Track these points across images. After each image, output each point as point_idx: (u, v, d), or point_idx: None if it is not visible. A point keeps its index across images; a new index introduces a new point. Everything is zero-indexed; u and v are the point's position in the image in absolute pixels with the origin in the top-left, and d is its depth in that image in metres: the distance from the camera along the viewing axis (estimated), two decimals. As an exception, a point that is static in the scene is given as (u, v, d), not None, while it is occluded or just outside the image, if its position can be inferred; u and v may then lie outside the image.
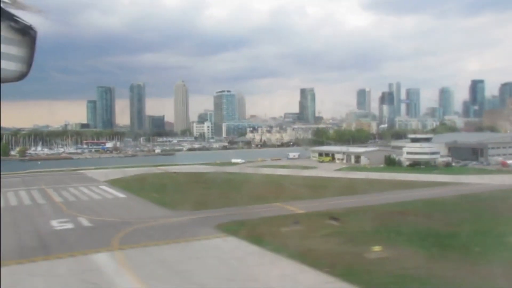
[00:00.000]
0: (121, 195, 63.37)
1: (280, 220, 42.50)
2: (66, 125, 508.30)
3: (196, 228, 40.51)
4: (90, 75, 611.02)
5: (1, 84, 3.44)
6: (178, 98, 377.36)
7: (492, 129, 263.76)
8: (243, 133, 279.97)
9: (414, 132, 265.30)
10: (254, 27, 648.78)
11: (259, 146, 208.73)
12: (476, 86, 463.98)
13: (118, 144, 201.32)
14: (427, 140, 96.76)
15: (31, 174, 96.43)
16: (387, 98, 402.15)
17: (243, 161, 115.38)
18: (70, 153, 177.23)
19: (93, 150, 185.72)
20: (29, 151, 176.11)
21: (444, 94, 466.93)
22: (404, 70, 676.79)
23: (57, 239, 37.52)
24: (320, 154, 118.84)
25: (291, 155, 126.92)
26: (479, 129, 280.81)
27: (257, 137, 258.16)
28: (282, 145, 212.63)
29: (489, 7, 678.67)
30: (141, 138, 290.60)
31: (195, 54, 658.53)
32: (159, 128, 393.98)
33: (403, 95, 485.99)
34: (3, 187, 69.59)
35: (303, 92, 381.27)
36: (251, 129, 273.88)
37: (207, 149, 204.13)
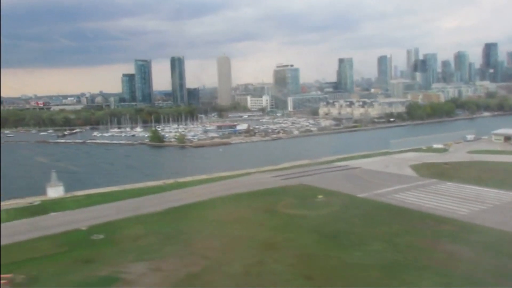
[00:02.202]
0: None
1: None
2: (79, 98, 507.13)
3: None
4: (66, 42, 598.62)
5: None
6: (222, 71, 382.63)
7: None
8: (314, 107, 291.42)
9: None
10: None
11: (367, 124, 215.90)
12: (489, 50, 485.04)
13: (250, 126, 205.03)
14: None
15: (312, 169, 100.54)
16: (420, 65, 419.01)
17: (442, 146, 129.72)
18: (213, 137, 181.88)
19: (226, 132, 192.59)
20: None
21: (460, 59, 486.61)
22: (384, 30, 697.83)
23: None
24: (508, 138, 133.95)
25: (469, 137, 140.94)
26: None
27: (333, 111, 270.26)
28: (384, 121, 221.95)
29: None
30: (213, 115, 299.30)
31: (173, 18, 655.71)
32: (195, 101, 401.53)
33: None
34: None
35: (341, 61, 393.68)
36: (325, 103, 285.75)
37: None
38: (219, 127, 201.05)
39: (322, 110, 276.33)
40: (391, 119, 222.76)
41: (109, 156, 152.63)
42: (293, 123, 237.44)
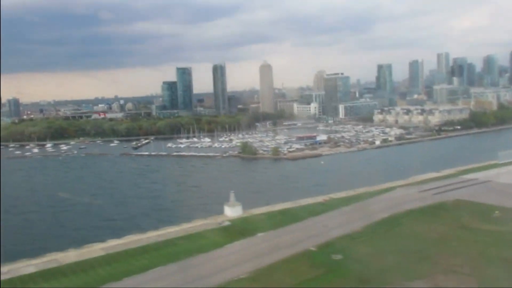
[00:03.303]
0: None
1: None
2: (110, 105, 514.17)
3: None
4: (81, 45, 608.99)
5: None
6: (264, 78, 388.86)
7: None
8: (368, 115, 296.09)
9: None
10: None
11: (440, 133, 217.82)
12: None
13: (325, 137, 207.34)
14: None
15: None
16: (457, 70, 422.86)
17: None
18: (299, 148, 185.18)
19: (308, 143, 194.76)
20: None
21: (489, 62, 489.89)
22: (398, 31, 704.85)
23: None
24: None
25: None
26: None
27: (390, 119, 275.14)
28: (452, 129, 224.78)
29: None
30: (267, 123, 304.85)
31: (188, 21, 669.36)
32: (234, 107, 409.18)
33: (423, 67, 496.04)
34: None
35: (380, 67, 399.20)
36: (379, 110, 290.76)
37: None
38: (300, 138, 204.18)
39: (377, 118, 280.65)
40: (457, 127, 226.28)
41: (217, 170, 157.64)
42: (357, 131, 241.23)
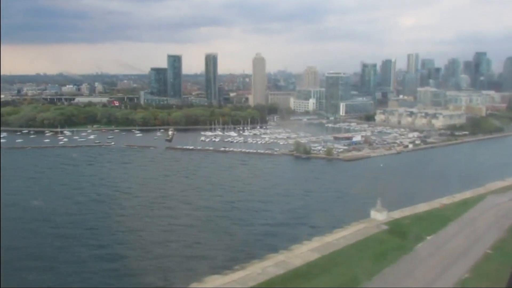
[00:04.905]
0: None
1: None
2: (78, 86, 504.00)
3: None
4: (22, 18, 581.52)
5: None
6: (257, 71, 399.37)
7: None
8: (370, 113, 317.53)
9: None
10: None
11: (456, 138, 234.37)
12: (480, 58, 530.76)
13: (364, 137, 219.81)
14: None
15: None
16: (434, 73, 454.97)
17: None
18: (344, 149, 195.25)
19: (346, 144, 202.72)
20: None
21: (453, 65, 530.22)
22: (347, 24, 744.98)
23: None
24: None
25: None
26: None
27: (392, 119, 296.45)
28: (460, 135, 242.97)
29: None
30: (275, 117, 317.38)
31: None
32: (221, 96, 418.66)
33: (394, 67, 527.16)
34: None
35: (365, 66, 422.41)
36: (382, 110, 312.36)
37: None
38: (337, 138, 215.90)
39: (379, 117, 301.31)
40: (465, 132, 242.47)
41: (296, 170, 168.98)
42: (372, 132, 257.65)
